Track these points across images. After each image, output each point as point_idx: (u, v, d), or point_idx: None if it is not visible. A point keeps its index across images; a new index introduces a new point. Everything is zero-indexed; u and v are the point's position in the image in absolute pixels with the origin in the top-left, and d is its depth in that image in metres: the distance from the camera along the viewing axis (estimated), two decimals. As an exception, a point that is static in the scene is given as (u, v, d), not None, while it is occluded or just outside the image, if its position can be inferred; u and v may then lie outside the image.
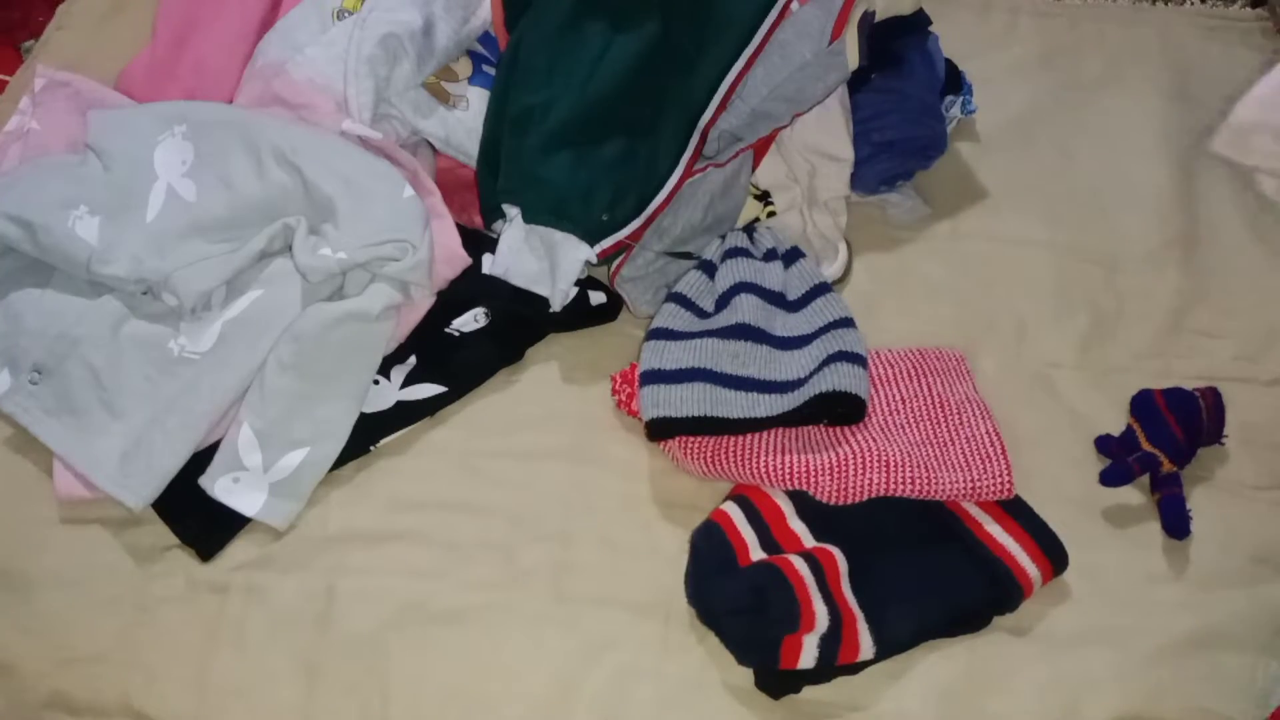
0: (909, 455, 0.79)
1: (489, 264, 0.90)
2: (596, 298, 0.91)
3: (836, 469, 0.78)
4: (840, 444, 0.80)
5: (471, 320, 0.88)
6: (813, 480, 0.79)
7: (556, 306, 0.88)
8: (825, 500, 0.79)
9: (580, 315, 0.90)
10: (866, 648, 0.73)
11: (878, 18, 0.95)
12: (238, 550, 0.81)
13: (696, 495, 0.82)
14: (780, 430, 0.82)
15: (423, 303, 0.88)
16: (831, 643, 0.72)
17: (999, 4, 1.14)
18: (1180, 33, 1.12)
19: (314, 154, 0.85)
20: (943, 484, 0.78)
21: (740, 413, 0.81)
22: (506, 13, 0.96)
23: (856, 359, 0.82)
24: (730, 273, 0.88)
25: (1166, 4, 1.15)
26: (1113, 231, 0.98)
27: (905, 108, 0.95)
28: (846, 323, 0.86)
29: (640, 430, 0.83)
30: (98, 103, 0.95)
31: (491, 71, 0.96)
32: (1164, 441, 0.81)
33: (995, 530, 0.78)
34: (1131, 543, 0.81)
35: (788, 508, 0.80)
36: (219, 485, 0.81)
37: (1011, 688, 0.74)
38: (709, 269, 0.89)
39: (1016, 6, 1.14)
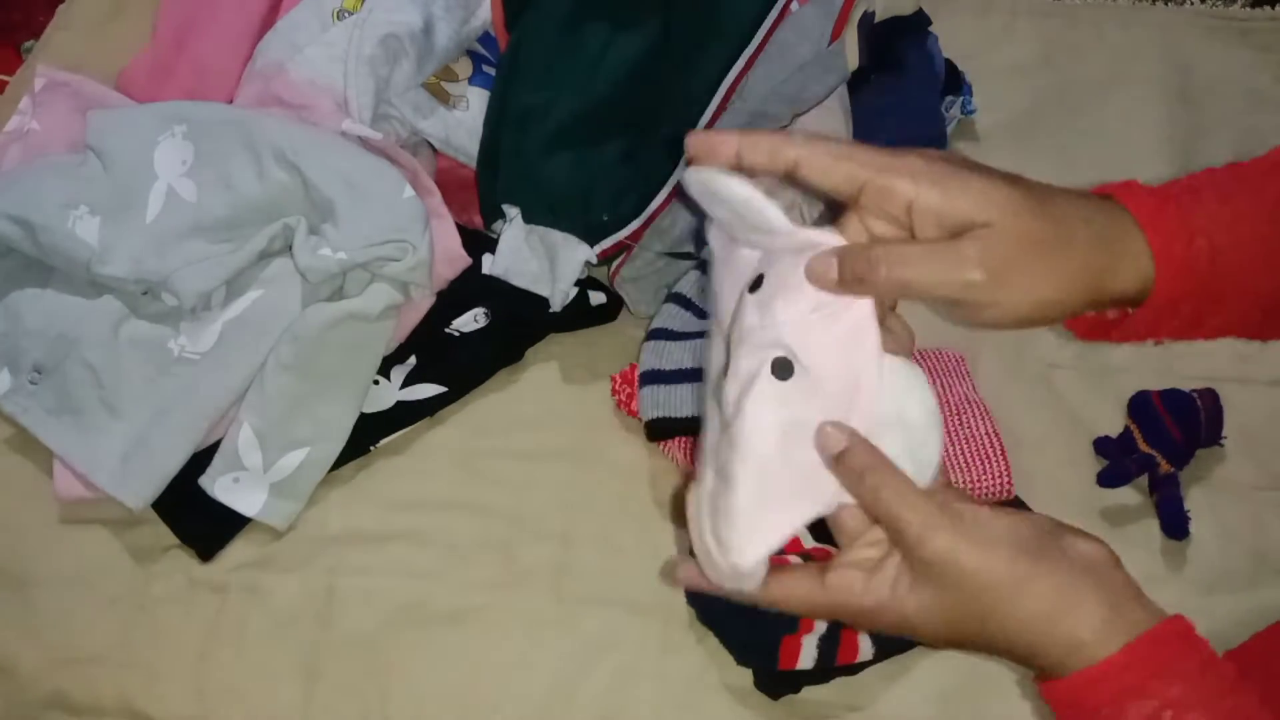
0: (908, 456, 0.79)
1: (489, 264, 0.90)
2: (596, 298, 0.91)
3: (836, 469, 0.78)
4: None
5: (471, 320, 0.89)
6: (812, 481, 0.79)
7: (556, 306, 0.88)
8: (825, 500, 0.79)
9: (580, 315, 0.90)
10: (865, 648, 0.73)
11: (878, 18, 0.95)
12: (238, 550, 0.81)
13: (696, 495, 0.82)
14: (780, 430, 0.82)
15: (423, 303, 0.88)
16: (830, 643, 0.72)
17: (999, 4, 1.14)
18: (1180, 33, 1.12)
19: (314, 154, 0.85)
20: (942, 484, 0.78)
21: (740, 413, 0.81)
22: (506, 13, 0.96)
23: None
24: (730, 273, 0.88)
25: (1166, 4, 1.15)
26: (1112, 232, 0.98)
27: (905, 108, 0.95)
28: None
29: (640, 430, 0.83)
30: (98, 103, 0.95)
31: (491, 71, 0.96)
32: (1161, 443, 0.81)
33: (994, 531, 0.78)
34: (1130, 544, 0.80)
35: (787, 508, 0.80)
36: (219, 485, 0.81)
37: (1010, 689, 0.74)
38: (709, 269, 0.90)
39: (1016, 6, 1.14)
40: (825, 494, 0.46)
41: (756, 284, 0.46)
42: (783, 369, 0.44)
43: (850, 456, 0.44)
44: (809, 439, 0.45)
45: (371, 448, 0.85)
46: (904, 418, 0.46)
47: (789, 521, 0.46)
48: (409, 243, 0.83)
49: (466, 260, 0.89)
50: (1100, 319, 0.49)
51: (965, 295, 0.43)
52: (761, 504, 0.45)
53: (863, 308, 0.44)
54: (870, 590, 0.46)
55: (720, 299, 0.50)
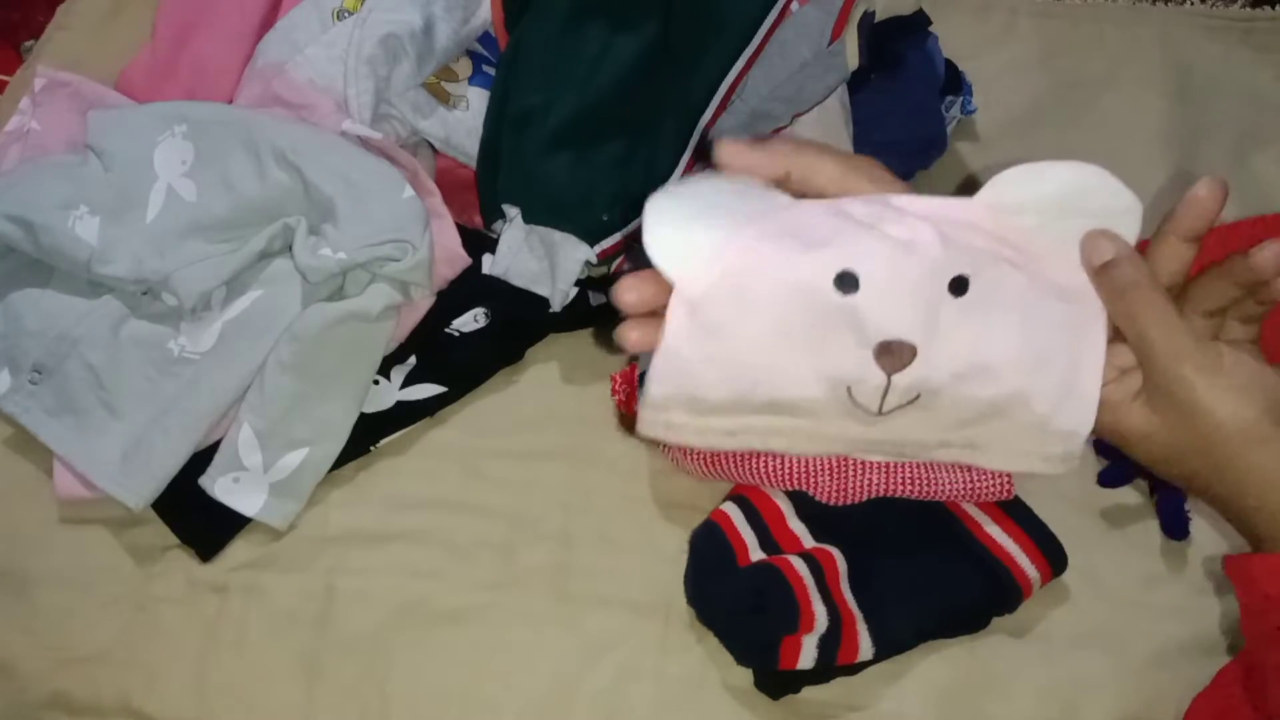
0: (909, 456, 0.79)
1: (489, 264, 0.90)
2: (596, 298, 0.91)
3: (836, 469, 0.78)
4: (840, 444, 0.80)
5: (471, 320, 0.89)
6: (812, 480, 0.79)
7: (556, 306, 0.88)
8: (824, 500, 0.79)
9: (580, 315, 0.90)
10: (866, 648, 0.73)
11: (878, 18, 0.95)
12: (238, 550, 0.81)
13: (696, 495, 0.82)
14: (780, 430, 0.82)
15: (423, 303, 0.88)
16: (831, 643, 0.72)
17: (999, 4, 1.14)
18: (1180, 33, 1.12)
19: (314, 154, 0.85)
20: (942, 484, 0.78)
21: (740, 413, 0.81)
22: (506, 13, 0.96)
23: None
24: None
25: (1166, 4, 1.15)
26: (1112, 232, 0.98)
27: (905, 108, 0.95)
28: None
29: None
30: (98, 103, 0.95)
31: (491, 71, 0.96)
32: (1163, 442, 0.81)
33: (994, 531, 0.78)
34: (1130, 544, 0.81)
35: (787, 508, 0.80)
36: (219, 485, 0.81)
37: (1010, 689, 0.75)
38: None
39: (1016, 6, 1.14)
40: (1097, 305, 0.43)
41: (849, 285, 0.42)
42: (959, 287, 0.41)
43: (1114, 270, 0.42)
44: (1045, 295, 0.42)
45: (372, 448, 0.85)
46: (1032, 202, 0.43)
47: (1094, 363, 0.43)
48: (409, 243, 0.83)
49: (466, 260, 0.89)
50: None
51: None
52: (1069, 387, 0.43)
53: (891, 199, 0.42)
54: (1104, 393, 0.44)
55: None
